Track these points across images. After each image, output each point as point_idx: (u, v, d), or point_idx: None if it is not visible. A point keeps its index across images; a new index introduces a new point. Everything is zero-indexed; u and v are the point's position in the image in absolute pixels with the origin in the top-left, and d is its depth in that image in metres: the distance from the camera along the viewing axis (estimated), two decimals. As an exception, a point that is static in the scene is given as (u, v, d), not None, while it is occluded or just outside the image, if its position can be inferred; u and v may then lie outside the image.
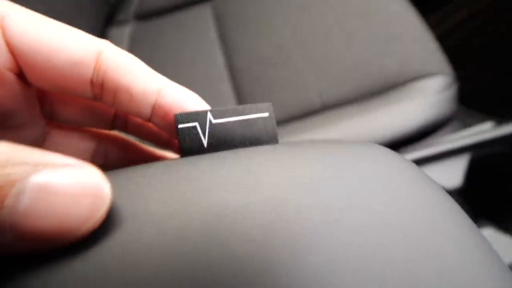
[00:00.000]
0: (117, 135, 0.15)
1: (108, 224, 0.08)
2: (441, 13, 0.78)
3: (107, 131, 0.14)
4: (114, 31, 0.56)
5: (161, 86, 0.11)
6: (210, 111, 0.11)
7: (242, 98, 0.45)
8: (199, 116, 0.11)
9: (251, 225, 0.08)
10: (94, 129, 0.14)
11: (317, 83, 0.41)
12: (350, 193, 0.09)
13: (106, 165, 0.14)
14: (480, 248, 0.10)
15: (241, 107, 0.12)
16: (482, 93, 0.66)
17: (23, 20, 0.09)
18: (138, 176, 0.10)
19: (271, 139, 0.12)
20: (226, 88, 0.47)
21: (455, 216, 0.10)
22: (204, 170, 0.10)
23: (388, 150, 0.12)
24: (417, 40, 0.39)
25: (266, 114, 0.12)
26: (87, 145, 0.14)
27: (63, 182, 0.07)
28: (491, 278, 0.09)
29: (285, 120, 0.41)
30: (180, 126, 0.11)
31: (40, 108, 0.12)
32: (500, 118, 0.52)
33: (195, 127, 0.11)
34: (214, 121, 0.11)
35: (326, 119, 0.37)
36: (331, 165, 0.10)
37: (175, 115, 0.11)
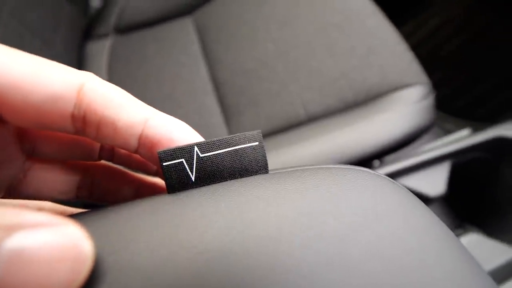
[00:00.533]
0: (104, 164, 0.14)
1: (91, 278, 0.08)
2: (413, 23, 0.82)
3: (93, 162, 0.14)
4: (93, 45, 0.55)
5: (147, 116, 0.11)
6: (197, 145, 0.11)
7: (226, 110, 0.45)
8: (185, 152, 0.11)
9: (244, 269, 0.08)
10: (79, 162, 0.13)
11: (301, 95, 0.41)
12: (342, 228, 0.09)
13: (93, 196, 0.14)
14: (469, 268, 0.10)
15: (229, 137, 0.11)
16: (455, 97, 0.69)
17: None
18: (123, 220, 0.09)
19: (261, 169, 0.12)
20: (210, 101, 0.47)
21: (444, 238, 0.11)
22: (192, 210, 0.09)
23: (375, 176, 0.12)
24: (394, 53, 0.40)
25: (255, 143, 0.12)
26: (72, 178, 0.13)
27: (39, 247, 0.06)
28: None
29: (271, 132, 0.42)
30: (165, 164, 0.11)
31: (19, 145, 0.11)
32: (475, 122, 0.54)
33: (181, 163, 0.11)
34: (201, 155, 0.11)
35: (311, 131, 0.38)
36: (320, 199, 0.10)
37: (158, 153, 0.11)
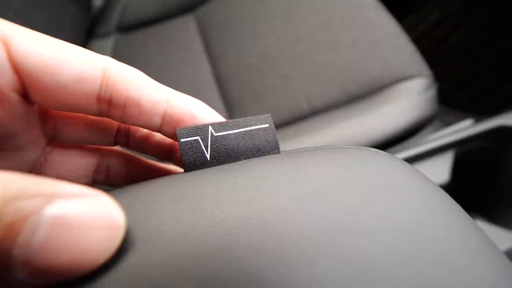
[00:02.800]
0: (119, 150, 0.14)
1: (121, 247, 0.08)
2: (414, 17, 0.82)
3: (109, 147, 0.14)
4: (96, 44, 0.55)
5: (169, 96, 0.11)
6: (211, 125, 0.12)
7: (230, 106, 0.46)
8: (200, 130, 0.11)
9: (264, 237, 0.08)
10: (96, 146, 0.14)
11: (304, 88, 0.42)
12: (356, 200, 0.09)
13: (109, 181, 0.14)
14: (480, 240, 0.10)
15: (241, 119, 0.12)
16: (457, 91, 0.70)
17: (28, 41, 0.09)
18: (145, 194, 0.10)
19: (273, 149, 0.12)
20: (214, 97, 0.47)
21: (455, 212, 0.11)
22: (211, 184, 0.10)
23: (385, 154, 0.12)
24: (396, 45, 0.40)
25: (266, 125, 0.12)
26: (89, 161, 0.13)
27: (78, 214, 0.07)
28: (493, 269, 0.09)
29: (275, 126, 0.42)
30: (182, 140, 0.11)
31: (41, 128, 0.12)
32: (477, 115, 0.55)
33: (197, 140, 0.11)
34: (215, 134, 0.12)
35: (315, 124, 0.38)
36: (334, 173, 0.10)
37: (177, 130, 0.11)
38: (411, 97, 0.35)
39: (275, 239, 0.08)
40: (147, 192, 0.10)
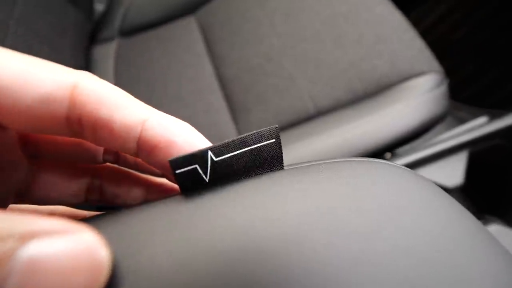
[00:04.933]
0: (110, 166, 0.14)
1: (109, 284, 0.07)
2: (420, 10, 0.80)
3: (100, 165, 0.14)
4: (99, 49, 0.55)
5: (145, 117, 0.10)
6: (211, 149, 0.10)
7: (234, 108, 0.45)
8: (198, 158, 0.10)
9: (266, 270, 0.07)
10: (86, 164, 0.13)
11: (309, 89, 0.40)
12: (365, 223, 0.08)
13: (103, 199, 0.14)
14: (501, 259, 0.09)
15: (245, 136, 0.11)
16: (467, 85, 0.67)
17: None
18: (137, 222, 0.09)
19: (276, 165, 0.11)
20: (217, 99, 0.46)
21: (477, 235, 0.10)
22: (208, 210, 0.09)
23: (396, 167, 0.11)
24: (404, 40, 0.39)
25: (272, 140, 0.11)
26: (80, 181, 0.13)
27: (54, 256, 0.06)
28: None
29: (280, 128, 0.41)
30: (177, 172, 0.10)
31: (22, 149, 0.11)
32: (489, 109, 0.52)
33: (195, 168, 0.10)
34: (216, 159, 0.10)
35: (322, 125, 0.37)
36: (342, 192, 0.09)
37: (170, 161, 0.10)
38: (421, 95, 0.34)
39: (278, 271, 0.07)
40: (140, 220, 0.09)
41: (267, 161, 0.11)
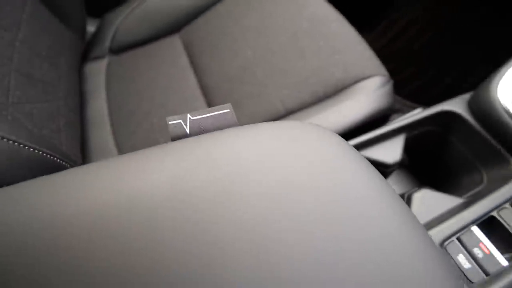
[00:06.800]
0: None
1: None
2: (385, 23, 0.89)
3: None
4: (91, 66, 0.60)
5: None
6: (189, 113, 0.17)
7: (216, 113, 0.51)
8: (182, 117, 0.17)
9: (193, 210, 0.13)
10: None
11: (279, 93, 0.47)
12: (287, 168, 0.14)
13: None
14: (402, 214, 0.14)
15: (210, 108, 0.17)
16: (426, 89, 0.76)
17: None
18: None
19: (233, 125, 0.17)
20: (201, 106, 0.52)
21: (378, 183, 0.15)
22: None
23: (319, 128, 0.17)
24: (356, 51, 0.47)
25: (227, 110, 0.18)
26: None
27: None
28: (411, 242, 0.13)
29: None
30: (170, 122, 0.16)
31: None
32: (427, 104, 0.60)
33: (180, 122, 0.17)
34: (192, 118, 0.17)
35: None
36: (270, 144, 0.15)
37: (167, 118, 0.16)
38: (368, 93, 0.41)
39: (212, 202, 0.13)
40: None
41: (226, 123, 0.17)
